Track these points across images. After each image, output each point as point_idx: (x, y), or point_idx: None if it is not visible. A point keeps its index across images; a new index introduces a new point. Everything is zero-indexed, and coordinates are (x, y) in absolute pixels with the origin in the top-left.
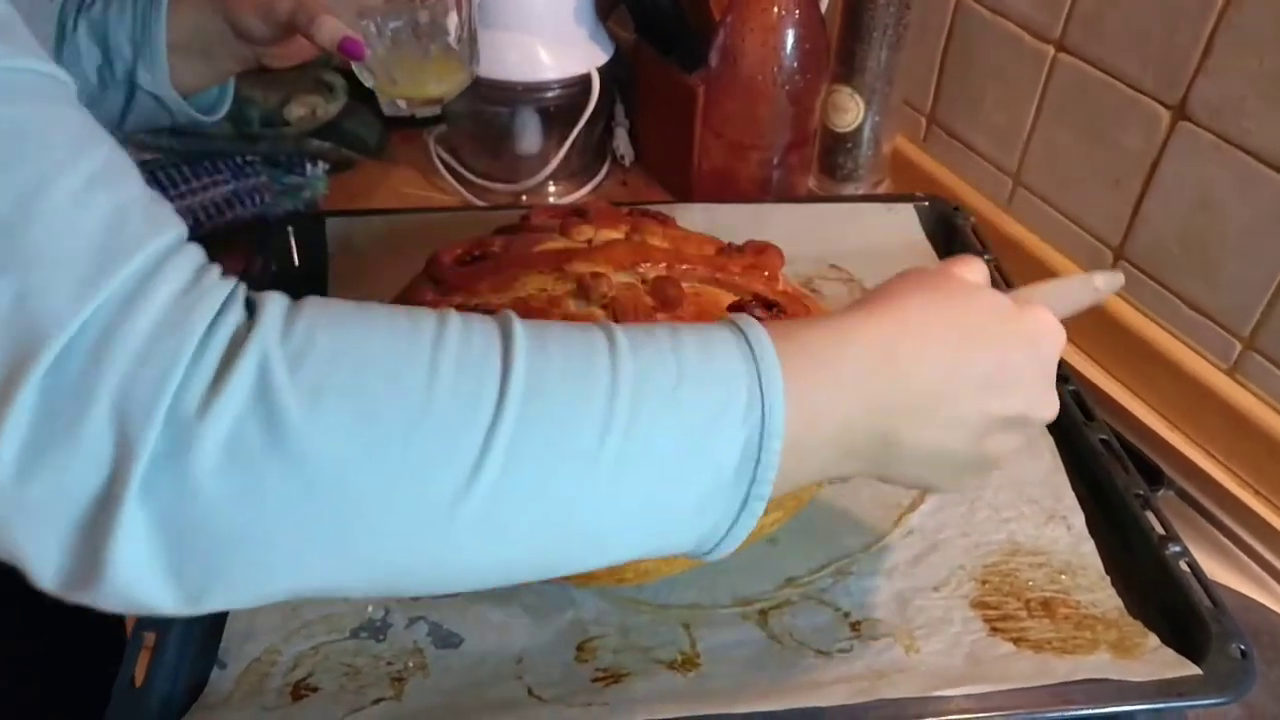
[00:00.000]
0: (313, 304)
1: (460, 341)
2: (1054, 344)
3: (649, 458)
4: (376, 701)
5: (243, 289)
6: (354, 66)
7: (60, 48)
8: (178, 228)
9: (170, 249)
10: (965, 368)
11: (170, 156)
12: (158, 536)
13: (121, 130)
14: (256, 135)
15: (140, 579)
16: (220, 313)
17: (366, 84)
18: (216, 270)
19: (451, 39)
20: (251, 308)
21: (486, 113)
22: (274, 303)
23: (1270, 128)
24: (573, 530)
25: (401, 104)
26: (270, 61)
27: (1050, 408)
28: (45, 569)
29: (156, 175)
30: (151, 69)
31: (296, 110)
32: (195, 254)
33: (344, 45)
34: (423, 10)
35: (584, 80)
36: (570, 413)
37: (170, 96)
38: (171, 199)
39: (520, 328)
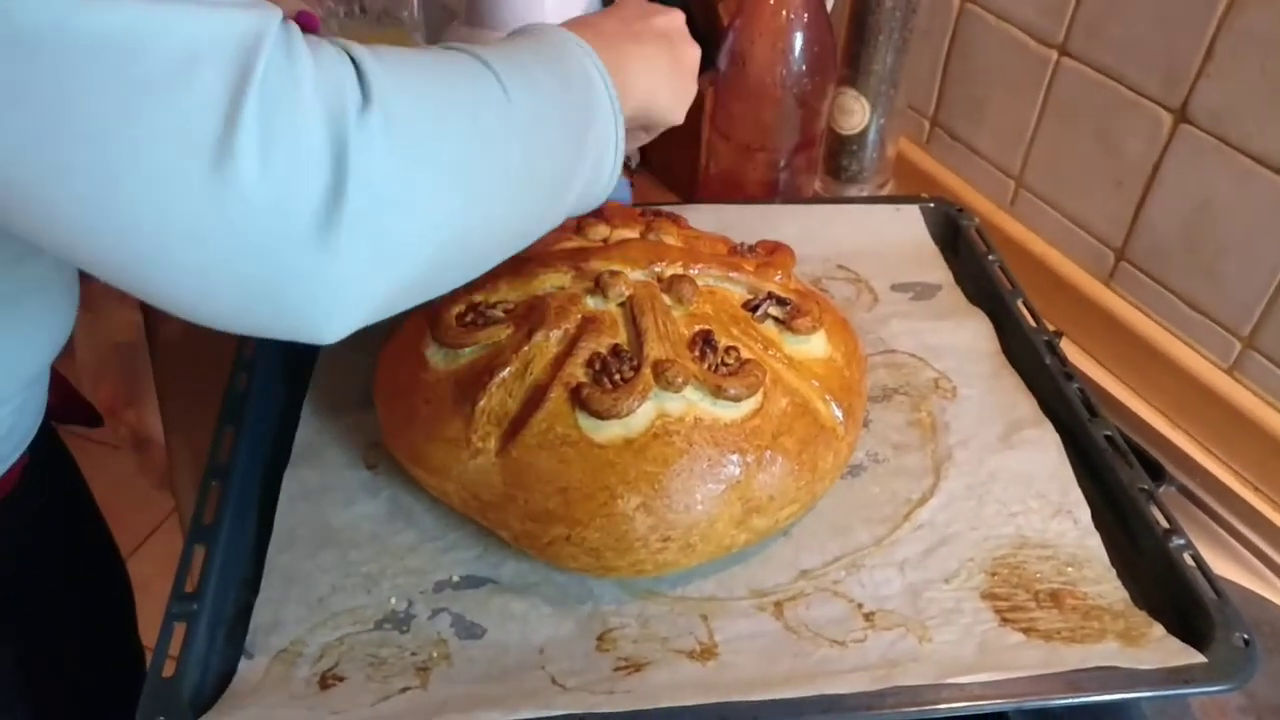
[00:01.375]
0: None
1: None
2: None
3: (567, 128)
4: (403, 690)
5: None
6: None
7: None
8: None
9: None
10: (613, 15)
11: None
12: (362, 209)
13: None
14: None
15: (357, 250)
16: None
17: None
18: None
19: (405, 16)
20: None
21: None
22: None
23: (1271, 131)
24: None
25: None
26: None
27: (674, 14)
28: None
29: None
30: None
31: None
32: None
33: (301, 19)
34: None
35: None
36: (535, 87)
37: None
38: None
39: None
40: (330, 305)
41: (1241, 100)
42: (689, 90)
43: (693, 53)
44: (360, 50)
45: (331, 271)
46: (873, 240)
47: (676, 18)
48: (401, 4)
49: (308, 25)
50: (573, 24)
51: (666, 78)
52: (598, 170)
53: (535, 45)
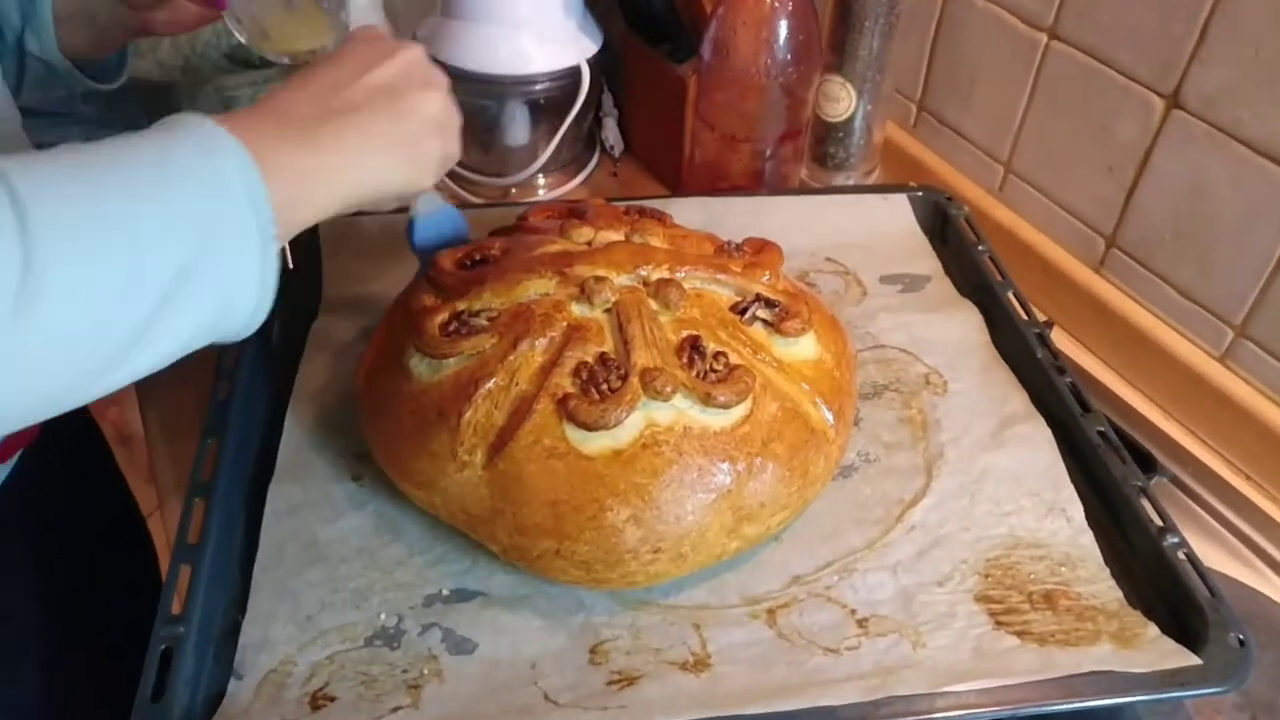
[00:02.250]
0: None
1: None
2: (360, 34)
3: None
4: (395, 710)
5: None
6: (226, 19)
7: None
8: None
9: None
10: (315, 79)
11: None
12: None
13: (19, 98)
14: None
15: None
16: None
17: (239, 38)
18: None
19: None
20: None
21: (475, 106)
22: None
23: (1264, 117)
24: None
25: (285, 59)
26: (159, 29)
27: (406, 49)
28: None
29: None
30: (39, 36)
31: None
32: None
33: None
34: None
35: (573, 72)
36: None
37: (59, 62)
38: None
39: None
40: None
41: (1235, 86)
42: (433, 148)
43: (428, 100)
44: None
45: None
46: (861, 231)
47: (406, 57)
48: None
49: (215, 2)
50: (255, 113)
51: (386, 150)
52: (217, 310)
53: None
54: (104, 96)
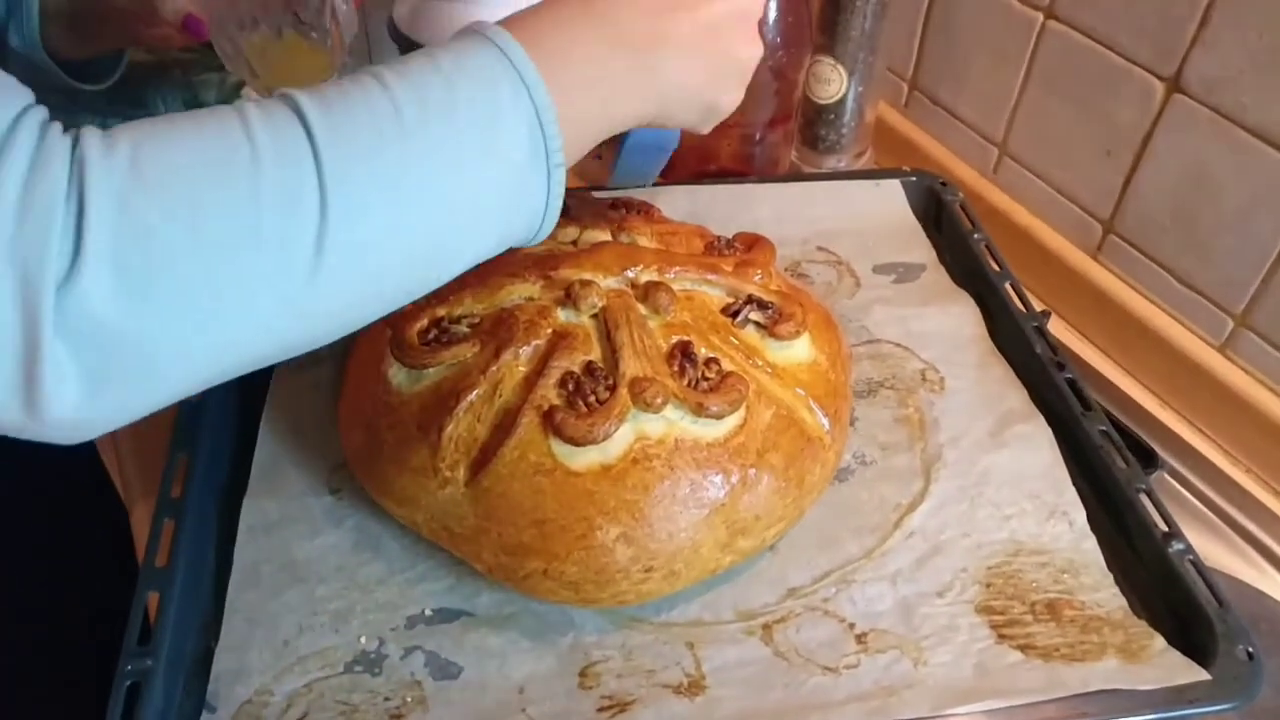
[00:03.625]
0: (125, 133)
1: (262, 118)
2: None
3: (451, 166)
4: None
5: (83, 134)
6: (217, 52)
7: None
8: (20, 96)
9: (17, 116)
10: None
11: None
12: (75, 358)
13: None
14: None
15: (68, 395)
16: (71, 164)
17: (229, 70)
18: (57, 126)
19: (322, 28)
20: (76, 146)
21: None
22: (93, 142)
23: (1267, 102)
24: (413, 248)
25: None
26: (149, 42)
27: None
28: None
29: None
30: (22, 32)
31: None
32: (39, 114)
33: (186, 23)
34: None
35: None
36: (376, 151)
37: (41, 60)
38: None
39: (299, 94)
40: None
41: (1237, 70)
42: (729, 101)
43: (748, 54)
44: (95, 159)
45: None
46: (853, 218)
47: (743, 2)
48: (317, 15)
49: (194, 31)
50: (586, 9)
51: (690, 92)
52: (509, 223)
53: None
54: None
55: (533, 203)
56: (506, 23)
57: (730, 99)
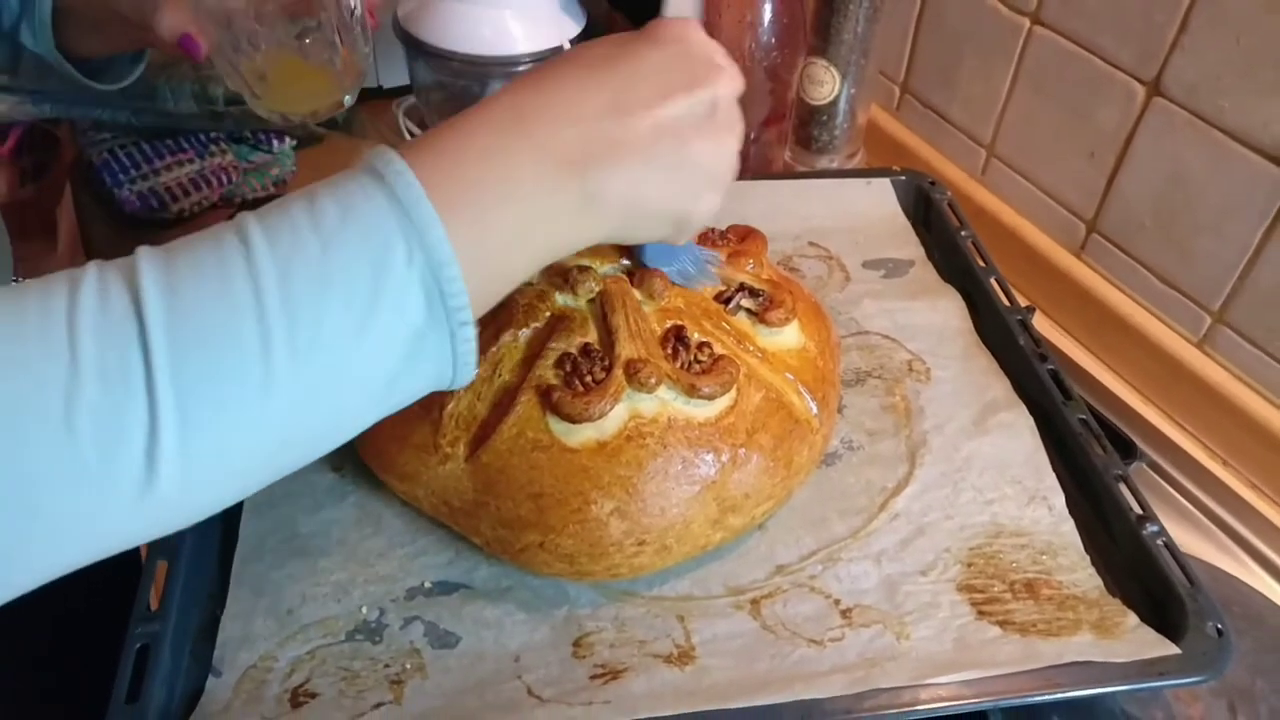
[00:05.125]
0: None
1: (94, 314)
2: (677, 31)
3: (327, 346)
4: (377, 706)
5: None
6: (218, 69)
7: None
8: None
9: None
10: (594, 91)
11: (130, 135)
12: None
13: (15, 80)
14: (221, 113)
15: None
16: None
17: (230, 87)
18: None
19: (329, 50)
20: None
21: (456, 86)
22: None
23: (1244, 106)
24: (288, 440)
25: (275, 115)
26: (164, 48)
27: (723, 78)
28: None
29: (117, 155)
30: (34, 30)
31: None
32: None
33: (182, 42)
34: (296, 21)
35: (556, 53)
36: (227, 346)
37: (54, 58)
38: (134, 180)
39: (148, 271)
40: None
41: (1216, 74)
42: (706, 205)
43: (721, 152)
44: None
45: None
46: (844, 215)
47: (718, 90)
48: (323, 37)
49: (190, 51)
50: (500, 128)
51: (649, 208)
52: (407, 389)
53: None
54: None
55: (435, 366)
56: (418, 147)
57: (705, 206)
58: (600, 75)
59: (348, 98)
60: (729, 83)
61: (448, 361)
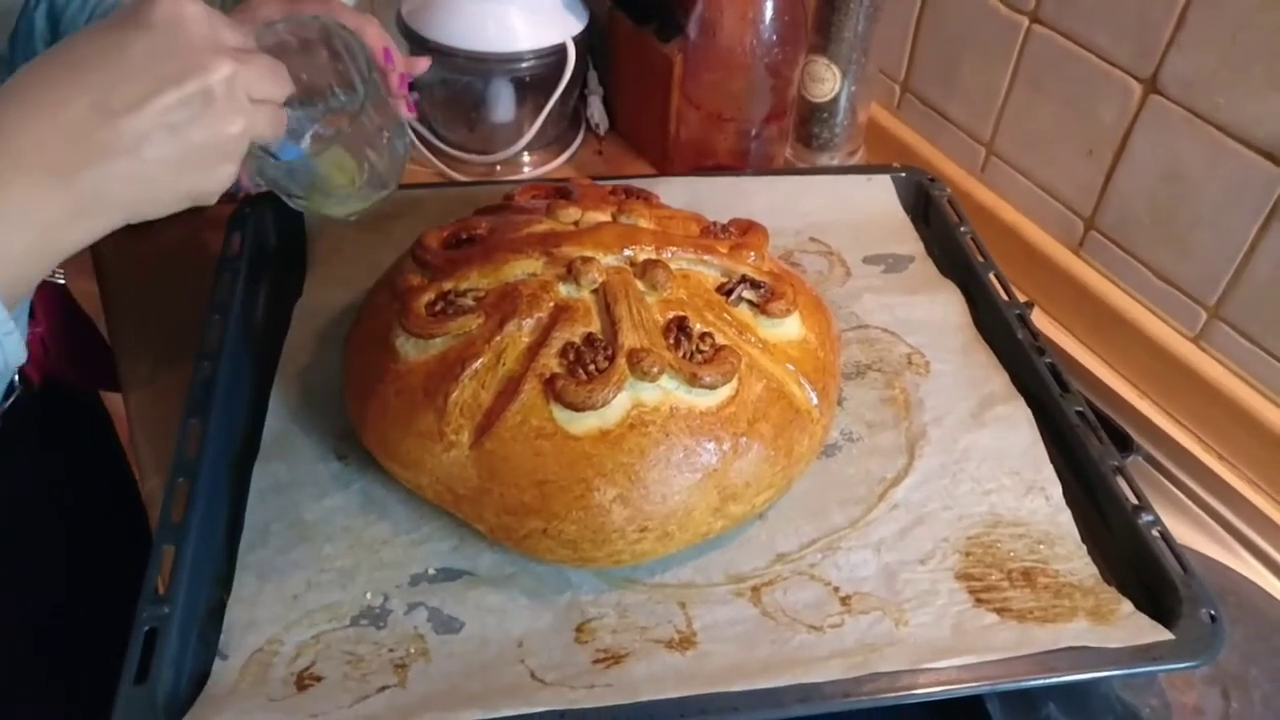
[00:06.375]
0: None
1: None
2: (168, 11)
3: None
4: (381, 689)
5: None
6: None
7: (18, 19)
8: None
9: None
10: (78, 93)
11: None
12: None
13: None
14: None
15: None
16: None
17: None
18: None
19: (340, 139)
20: None
21: (460, 83)
22: None
23: (1239, 103)
24: None
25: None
26: None
27: (218, 64)
28: None
29: None
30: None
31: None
32: None
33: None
34: (328, 115)
35: (559, 50)
36: None
37: None
38: None
39: None
40: None
41: (1212, 71)
42: (221, 175)
43: (227, 133)
44: None
45: None
46: (844, 211)
47: (212, 76)
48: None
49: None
50: None
51: (158, 194)
52: None
53: None
54: None
55: None
56: None
57: (220, 178)
58: (84, 75)
59: (373, 194)
60: (224, 68)
61: None
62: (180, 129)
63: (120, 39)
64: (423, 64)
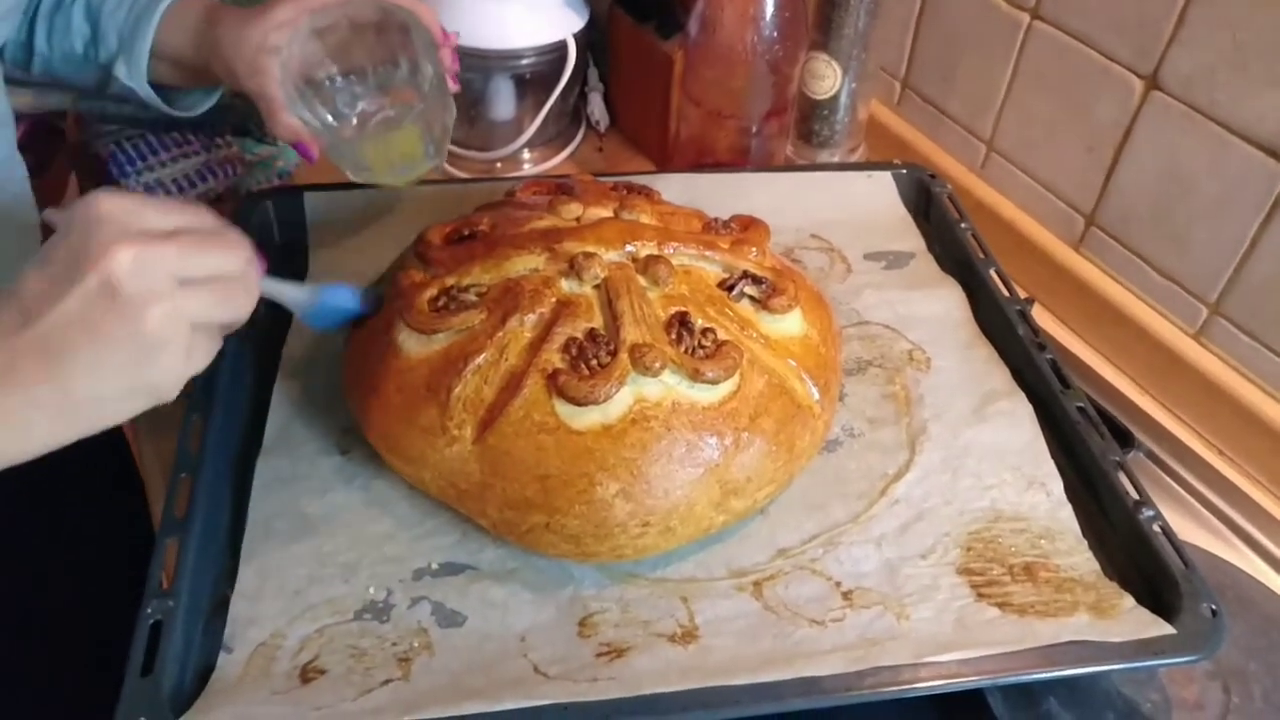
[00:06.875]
0: None
1: None
2: (84, 210)
3: None
4: (385, 683)
5: None
6: (331, 159)
7: (54, 15)
8: None
9: None
10: (5, 304)
11: (136, 127)
12: None
13: (99, 101)
14: (226, 105)
15: None
16: None
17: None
18: None
19: (413, 115)
20: None
21: (460, 79)
22: None
23: (1240, 99)
24: None
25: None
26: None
27: (112, 253)
28: None
29: (124, 148)
30: (130, 66)
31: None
32: None
33: (297, 147)
34: (379, 93)
35: (559, 47)
36: None
37: (146, 93)
38: (140, 171)
39: None
40: None
41: (1212, 68)
42: (168, 366)
43: (149, 319)
44: None
45: None
46: (845, 208)
47: (109, 266)
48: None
49: (303, 154)
50: None
51: (101, 397)
52: None
53: None
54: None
55: None
56: None
57: (166, 368)
58: (18, 285)
59: (423, 162)
60: (119, 253)
61: None
62: (93, 325)
63: (48, 249)
64: (453, 38)
